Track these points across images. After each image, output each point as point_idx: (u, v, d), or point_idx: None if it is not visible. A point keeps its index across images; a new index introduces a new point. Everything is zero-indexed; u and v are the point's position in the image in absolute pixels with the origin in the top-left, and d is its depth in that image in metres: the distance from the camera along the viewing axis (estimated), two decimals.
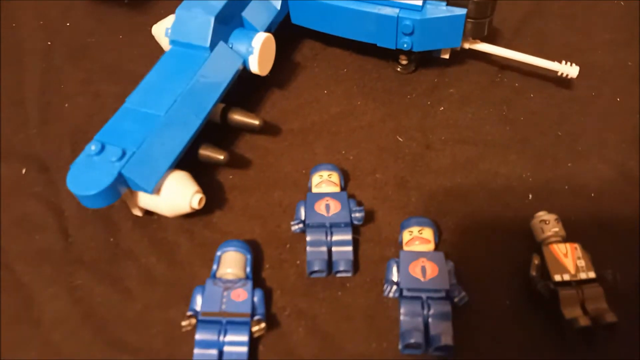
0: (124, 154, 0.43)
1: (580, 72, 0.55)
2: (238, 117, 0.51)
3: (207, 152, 0.48)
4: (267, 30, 0.55)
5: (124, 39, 0.64)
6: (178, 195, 0.44)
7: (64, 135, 0.55)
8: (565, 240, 0.45)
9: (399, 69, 0.59)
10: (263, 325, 0.41)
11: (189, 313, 0.41)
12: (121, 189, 0.44)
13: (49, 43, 0.64)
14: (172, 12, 0.53)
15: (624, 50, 0.61)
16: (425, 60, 0.59)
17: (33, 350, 0.43)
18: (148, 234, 0.48)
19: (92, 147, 0.44)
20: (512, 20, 0.64)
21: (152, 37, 0.56)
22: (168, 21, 0.53)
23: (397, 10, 0.52)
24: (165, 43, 0.53)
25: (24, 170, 0.53)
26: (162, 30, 0.53)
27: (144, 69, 0.52)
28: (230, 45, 0.52)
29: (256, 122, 0.50)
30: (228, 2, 0.50)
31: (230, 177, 0.52)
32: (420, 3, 0.51)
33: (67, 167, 0.45)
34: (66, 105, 0.58)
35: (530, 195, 0.50)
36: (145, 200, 0.45)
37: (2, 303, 0.45)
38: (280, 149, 0.54)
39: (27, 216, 0.50)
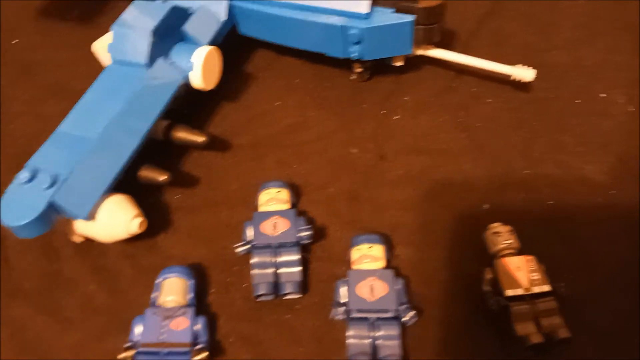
0: (55, 181, 0.42)
1: (538, 73, 0.53)
2: (182, 134, 0.49)
3: (148, 174, 0.46)
4: (213, 42, 0.53)
5: (71, 56, 0.62)
6: (114, 221, 0.43)
7: (5, 159, 0.54)
8: (520, 252, 0.44)
9: (353, 77, 0.58)
10: (205, 354, 0.39)
11: (126, 345, 0.40)
12: (55, 216, 0.42)
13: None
14: None
15: (583, 49, 0.60)
16: (380, 67, 0.58)
17: None
18: (89, 260, 0.46)
19: (22, 175, 0.42)
20: (470, 22, 0.63)
21: None
22: (108, 37, 0.51)
23: (343, 19, 0.51)
24: (105, 60, 0.52)
25: None
26: (102, 47, 0.52)
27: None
28: (171, 61, 0.50)
29: (201, 139, 0.49)
30: (166, 17, 0.49)
31: (177, 196, 0.50)
32: (365, 11, 0.50)
33: None
34: (10, 126, 0.56)
35: (485, 205, 0.48)
36: (82, 227, 0.44)
37: None
38: (229, 165, 0.52)
39: None
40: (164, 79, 0.49)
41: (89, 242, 0.47)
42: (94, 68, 0.57)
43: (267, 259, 0.44)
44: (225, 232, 0.48)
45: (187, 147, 0.52)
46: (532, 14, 0.64)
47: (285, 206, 0.47)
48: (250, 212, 0.47)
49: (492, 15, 0.64)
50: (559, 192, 0.49)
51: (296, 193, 0.50)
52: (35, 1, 0.68)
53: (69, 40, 0.64)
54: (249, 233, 0.45)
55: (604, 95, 0.56)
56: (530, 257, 0.43)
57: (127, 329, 0.41)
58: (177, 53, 0.50)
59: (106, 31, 0.54)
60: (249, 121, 0.55)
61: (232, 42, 0.57)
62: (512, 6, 0.65)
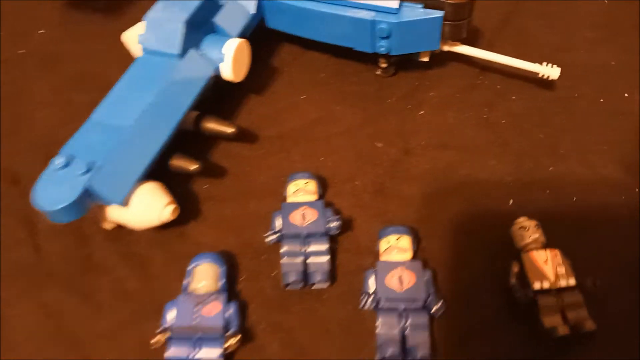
0: (90, 167, 0.42)
1: (562, 72, 0.54)
2: (212, 125, 0.49)
3: (179, 163, 0.47)
4: (242, 35, 0.53)
5: (97, 46, 0.63)
6: (147, 207, 0.43)
7: (35, 146, 0.54)
8: (546, 246, 0.44)
9: (378, 73, 0.58)
10: (237, 339, 0.40)
11: (159, 329, 0.40)
12: (88, 202, 0.43)
13: (23, 51, 0.63)
14: None
15: (605, 48, 0.60)
16: (405, 62, 0.58)
17: None
18: (120, 247, 0.47)
19: (57, 161, 0.43)
20: (493, 20, 0.63)
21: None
22: (138, 28, 0.52)
23: (373, 13, 0.51)
24: (135, 50, 0.52)
25: None
26: (132, 38, 0.52)
27: (117, 76, 0.50)
28: (202, 52, 0.50)
29: (230, 130, 0.49)
30: (198, 8, 0.49)
31: (205, 186, 0.51)
32: (396, 6, 0.50)
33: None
34: (38, 115, 0.57)
35: (511, 201, 0.49)
36: (115, 214, 0.44)
37: None
38: (256, 157, 0.53)
39: None
40: (195, 69, 0.49)
41: (119, 229, 0.47)
42: (120, 58, 0.58)
43: (296, 248, 0.45)
44: (253, 222, 0.48)
45: (215, 138, 0.53)
46: (553, 13, 0.64)
47: (313, 197, 0.47)
48: (278, 203, 0.47)
49: (514, 14, 0.64)
50: (583, 189, 0.50)
51: (323, 185, 0.50)
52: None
53: (94, 31, 0.65)
54: (278, 223, 0.46)
55: (627, 95, 0.56)
56: (556, 251, 0.43)
57: (158, 314, 0.42)
58: (208, 44, 0.51)
59: (132, 22, 0.55)
60: (276, 114, 0.56)
61: (258, 36, 0.58)
62: (534, 5, 0.65)
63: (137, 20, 0.54)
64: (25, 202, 0.50)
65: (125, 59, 0.57)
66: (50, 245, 0.48)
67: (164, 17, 0.49)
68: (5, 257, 0.47)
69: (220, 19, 0.52)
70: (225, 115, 0.54)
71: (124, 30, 0.55)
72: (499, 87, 0.57)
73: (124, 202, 0.43)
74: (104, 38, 0.63)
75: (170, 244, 0.47)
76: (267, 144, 0.54)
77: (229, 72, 0.51)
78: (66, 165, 0.43)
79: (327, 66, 0.60)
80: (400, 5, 0.51)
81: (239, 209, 0.49)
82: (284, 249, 0.45)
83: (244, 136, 0.54)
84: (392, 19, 0.51)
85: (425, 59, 0.56)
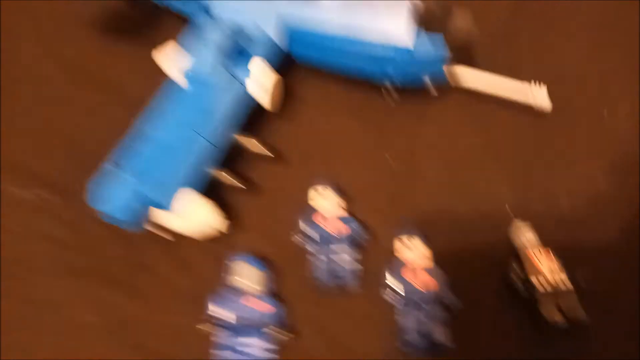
0: (138, 174, 0.48)
1: (554, 84, 0.59)
2: (250, 146, 0.56)
3: (229, 179, 0.54)
4: (268, 60, 0.59)
5: (127, 66, 0.68)
6: (205, 221, 0.50)
7: (73, 158, 0.59)
8: (539, 245, 0.51)
9: (386, 96, 0.64)
10: (281, 331, 0.46)
11: (205, 317, 0.46)
12: (142, 209, 0.48)
13: (53, 68, 0.67)
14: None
15: (602, 54, 0.65)
16: (409, 88, 0.64)
17: (63, 354, 0.48)
18: (164, 250, 0.53)
19: (108, 167, 0.49)
20: (488, 32, 0.68)
21: (153, 64, 0.60)
22: (170, 47, 0.57)
23: (386, 49, 0.57)
24: (168, 68, 0.57)
25: (39, 193, 0.57)
26: (165, 56, 0.57)
27: (149, 92, 0.57)
28: (234, 73, 0.56)
29: (269, 153, 0.56)
30: (229, 34, 0.55)
31: (238, 197, 0.56)
32: (409, 45, 0.56)
33: (81, 188, 0.51)
34: (73, 128, 0.62)
35: (507, 206, 0.56)
36: (176, 224, 0.50)
37: (32, 315, 0.50)
38: (280, 171, 0.58)
39: (44, 236, 0.54)
40: (227, 89, 0.55)
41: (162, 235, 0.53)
42: (150, 75, 0.60)
43: (323, 250, 0.51)
44: (283, 228, 0.54)
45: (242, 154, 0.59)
46: (548, 14, 0.69)
47: (335, 204, 0.54)
48: (302, 211, 0.54)
49: (513, 17, 0.69)
50: (570, 193, 0.56)
51: (341, 196, 0.56)
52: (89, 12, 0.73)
53: (123, 51, 0.69)
54: (305, 228, 0.52)
55: (613, 106, 0.62)
56: (548, 249, 0.50)
57: (201, 307, 0.48)
58: (239, 65, 0.56)
59: (161, 41, 0.60)
60: (295, 132, 0.61)
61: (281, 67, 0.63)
62: (530, 5, 0.70)
63: (166, 38, 0.59)
64: (71, 208, 0.55)
65: (155, 75, 0.60)
66: (97, 249, 0.53)
67: (198, 40, 0.55)
68: (57, 260, 0.53)
69: (249, 45, 0.58)
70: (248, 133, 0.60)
71: (152, 48, 0.61)
72: (493, 104, 0.63)
73: (171, 207, 0.48)
74: (132, 59, 0.68)
75: (210, 247, 0.53)
76: (289, 159, 0.60)
77: (265, 100, 0.57)
78: (116, 171, 0.49)
79: (340, 91, 0.65)
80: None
81: (269, 218, 0.55)
82: (313, 251, 0.51)
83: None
84: (404, 55, 0.57)
85: (434, 93, 0.62)
